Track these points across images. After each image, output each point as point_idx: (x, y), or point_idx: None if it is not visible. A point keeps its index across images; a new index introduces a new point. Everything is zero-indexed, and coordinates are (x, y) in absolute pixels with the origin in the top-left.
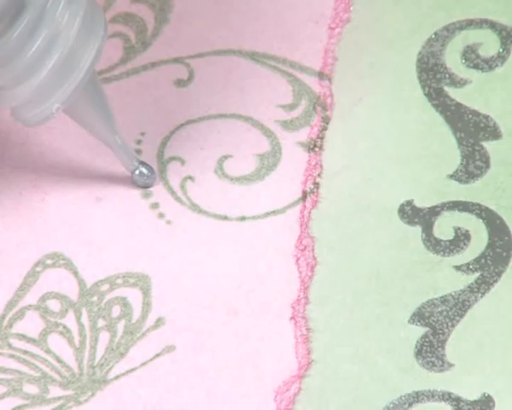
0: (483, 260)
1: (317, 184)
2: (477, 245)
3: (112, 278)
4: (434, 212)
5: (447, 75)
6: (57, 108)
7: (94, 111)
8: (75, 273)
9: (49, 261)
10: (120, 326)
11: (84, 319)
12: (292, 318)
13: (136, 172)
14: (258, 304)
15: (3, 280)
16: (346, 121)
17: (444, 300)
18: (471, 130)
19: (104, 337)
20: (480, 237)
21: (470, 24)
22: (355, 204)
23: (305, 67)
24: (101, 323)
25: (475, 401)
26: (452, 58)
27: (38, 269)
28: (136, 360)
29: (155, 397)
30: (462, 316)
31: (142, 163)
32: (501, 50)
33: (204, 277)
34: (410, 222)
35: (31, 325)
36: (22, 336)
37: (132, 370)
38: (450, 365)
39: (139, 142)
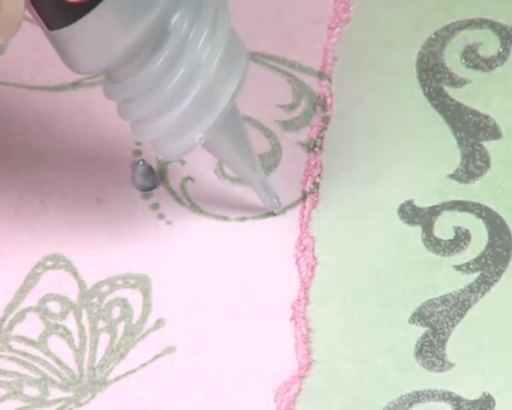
0: (483, 260)
1: (317, 184)
2: (477, 245)
3: (112, 280)
4: (434, 212)
5: (447, 75)
6: (200, 138)
7: (233, 146)
8: (75, 275)
9: (49, 263)
10: (120, 327)
11: (85, 321)
12: (292, 318)
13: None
14: (258, 304)
15: (3, 282)
16: (346, 121)
17: (444, 299)
18: (471, 130)
19: (104, 339)
20: (480, 236)
21: (470, 24)
22: (355, 204)
23: (304, 67)
24: (101, 324)
25: (475, 401)
26: (452, 58)
27: (38, 271)
28: (137, 361)
29: (156, 398)
30: (462, 316)
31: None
32: (501, 50)
33: (204, 277)
34: (410, 222)
35: (31, 326)
36: (22, 339)
37: (132, 371)
38: (451, 364)
39: (139, 142)
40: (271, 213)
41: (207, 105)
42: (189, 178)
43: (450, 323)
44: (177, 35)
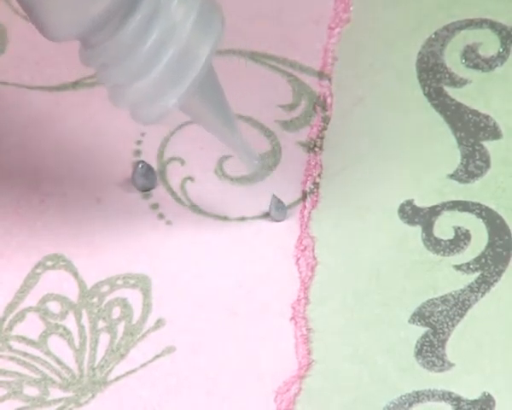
0: (483, 260)
1: (317, 184)
2: (477, 245)
3: (112, 279)
4: (434, 212)
5: (447, 75)
6: (174, 103)
7: (211, 108)
8: (75, 275)
9: (49, 263)
10: (120, 327)
11: (85, 321)
12: (292, 318)
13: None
14: (258, 304)
15: (3, 282)
16: (346, 121)
17: (444, 299)
18: (471, 130)
19: (104, 339)
20: (480, 236)
21: (470, 24)
22: (355, 204)
23: (304, 67)
24: (101, 324)
25: (476, 401)
26: (452, 58)
27: (38, 271)
28: (137, 361)
29: (156, 398)
30: (462, 316)
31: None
32: (501, 50)
33: (204, 277)
34: (410, 222)
35: (31, 326)
36: (22, 339)
37: (132, 371)
38: (451, 364)
39: (139, 142)
40: (271, 213)
41: (181, 69)
42: (189, 178)
43: (450, 323)
44: None
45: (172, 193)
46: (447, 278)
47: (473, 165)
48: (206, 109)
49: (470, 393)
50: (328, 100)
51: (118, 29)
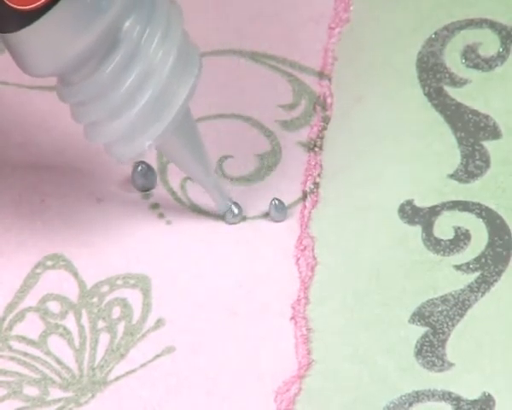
0: (483, 260)
1: (317, 184)
2: (477, 245)
3: (112, 279)
4: (434, 211)
5: (447, 75)
6: (149, 145)
7: (187, 149)
8: (75, 275)
9: (49, 263)
10: (120, 327)
11: (85, 321)
12: (292, 318)
13: (228, 213)
14: (258, 304)
15: (3, 282)
16: (346, 121)
17: (444, 299)
18: (471, 129)
19: (104, 339)
20: (480, 236)
21: (470, 24)
22: (355, 204)
23: (304, 67)
24: (101, 324)
25: (475, 401)
26: (452, 58)
27: (38, 271)
28: (137, 360)
29: (156, 398)
30: (462, 316)
31: (235, 203)
32: (501, 50)
33: (204, 277)
34: (410, 222)
35: (31, 326)
36: (22, 338)
37: (132, 371)
38: (451, 364)
39: None
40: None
41: (158, 111)
42: (189, 178)
43: (450, 323)
44: (130, 40)
45: (172, 193)
46: (447, 278)
47: (473, 165)
48: (182, 150)
49: (470, 393)
50: (328, 100)
51: (97, 69)
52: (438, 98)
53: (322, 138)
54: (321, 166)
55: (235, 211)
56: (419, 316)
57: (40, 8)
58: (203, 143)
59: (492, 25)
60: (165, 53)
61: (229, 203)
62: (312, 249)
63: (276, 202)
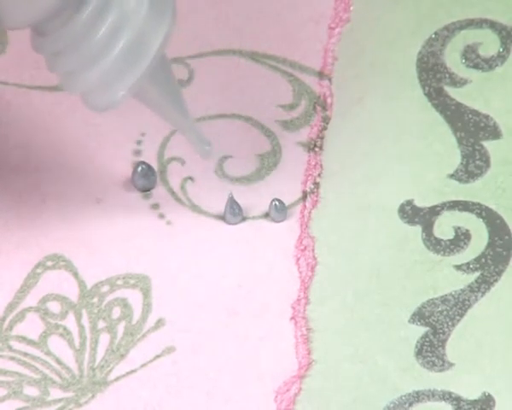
0: (483, 260)
1: (317, 184)
2: (477, 245)
3: (112, 280)
4: (434, 211)
5: (447, 75)
6: (123, 94)
7: (163, 96)
8: (75, 275)
9: (49, 263)
10: (120, 328)
11: (85, 321)
12: (292, 318)
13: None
14: (258, 304)
15: (4, 282)
16: (346, 121)
17: (444, 299)
18: (471, 129)
19: (104, 339)
20: (480, 236)
21: (470, 24)
22: (355, 204)
23: (305, 67)
24: (101, 324)
25: (476, 401)
26: (452, 58)
27: (39, 271)
28: (137, 361)
29: (156, 398)
30: (462, 315)
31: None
32: (501, 50)
33: (204, 277)
34: (410, 222)
35: (31, 326)
36: (22, 339)
37: (132, 371)
38: (451, 364)
39: (139, 142)
40: (270, 214)
41: (133, 59)
42: (189, 178)
43: (450, 323)
44: None
45: (172, 193)
46: (447, 278)
47: (473, 165)
48: (159, 97)
49: (470, 393)
50: (328, 100)
51: (71, 18)
52: (438, 98)
53: (322, 138)
54: (321, 166)
55: (235, 210)
56: (419, 316)
57: None
58: (179, 89)
59: (492, 25)
60: (138, 1)
61: (208, 147)
62: (312, 249)
63: (277, 202)
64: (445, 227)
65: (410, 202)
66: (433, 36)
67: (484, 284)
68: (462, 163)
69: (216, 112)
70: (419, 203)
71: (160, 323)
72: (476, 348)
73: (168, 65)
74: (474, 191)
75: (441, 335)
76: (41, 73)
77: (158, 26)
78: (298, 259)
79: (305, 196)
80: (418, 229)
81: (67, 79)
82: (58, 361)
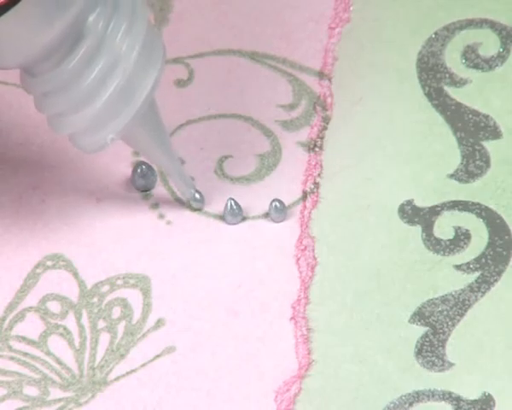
0: (483, 260)
1: (317, 184)
2: (477, 245)
3: (112, 279)
4: (434, 211)
5: (447, 75)
6: (111, 138)
7: (151, 139)
8: (75, 275)
9: (49, 263)
10: (121, 327)
11: (85, 321)
12: (292, 318)
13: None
14: (258, 304)
15: (4, 282)
16: (346, 121)
17: (444, 299)
18: (471, 129)
19: (104, 339)
20: (480, 236)
21: (470, 24)
22: (355, 204)
23: (305, 67)
24: (101, 324)
25: (476, 401)
26: (452, 58)
27: (39, 271)
28: (137, 361)
29: (156, 398)
30: (462, 315)
31: (197, 190)
32: (501, 50)
33: (204, 277)
34: (410, 222)
35: (31, 326)
36: (22, 338)
37: (132, 371)
38: (451, 364)
39: None
40: (270, 214)
41: (123, 103)
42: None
43: (450, 323)
44: (95, 32)
45: (172, 193)
46: (447, 278)
47: (473, 165)
48: (147, 140)
49: (470, 393)
50: (328, 100)
51: (62, 61)
52: (438, 98)
53: (322, 138)
54: (321, 166)
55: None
56: (419, 316)
57: (5, 4)
58: (167, 132)
59: (492, 25)
60: (129, 46)
61: (193, 191)
62: (312, 249)
63: (277, 203)
64: (445, 227)
65: (410, 202)
66: (433, 36)
67: (484, 284)
68: (462, 163)
69: (216, 112)
70: (419, 203)
71: (159, 323)
72: (476, 348)
73: (156, 108)
74: (474, 191)
75: (441, 335)
76: None
77: (148, 70)
78: (298, 259)
79: (305, 196)
80: (418, 229)
81: (56, 120)
82: (58, 361)
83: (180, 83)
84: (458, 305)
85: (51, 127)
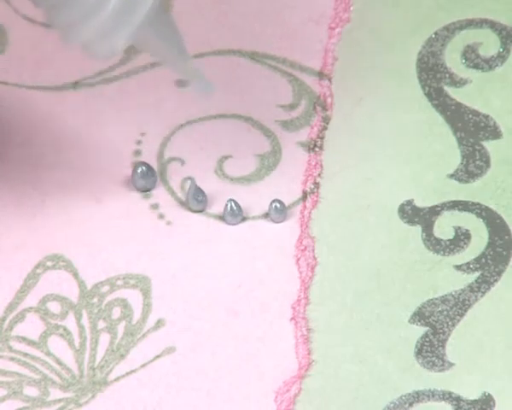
0: (483, 260)
1: (317, 184)
2: (477, 244)
3: (112, 280)
4: (434, 211)
5: (447, 75)
6: (123, 42)
7: (164, 41)
8: (75, 275)
9: (49, 263)
10: (121, 328)
11: (85, 321)
12: (292, 318)
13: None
14: (258, 304)
15: (4, 282)
16: (346, 121)
17: (444, 299)
18: (471, 129)
19: (104, 339)
20: (480, 236)
21: (470, 24)
22: (355, 204)
23: (305, 67)
24: (101, 324)
25: (475, 401)
26: (452, 58)
27: (39, 271)
28: (137, 361)
29: (156, 398)
30: (462, 315)
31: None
32: (501, 50)
33: (204, 277)
34: (410, 222)
35: (31, 327)
36: (22, 339)
37: (132, 371)
38: (451, 364)
39: (139, 142)
40: (271, 214)
41: (131, 7)
42: (189, 178)
43: (450, 323)
44: None
45: (172, 193)
46: (447, 278)
47: (473, 165)
48: (159, 42)
49: (470, 393)
50: (328, 100)
51: None
52: (438, 98)
53: (322, 138)
54: (321, 166)
55: (235, 210)
56: (419, 316)
57: None
58: (179, 32)
59: (492, 25)
60: None
61: (211, 88)
62: (312, 249)
63: (277, 204)
64: (445, 227)
65: (410, 202)
66: (433, 36)
67: (484, 284)
68: (462, 163)
69: (216, 112)
70: (419, 203)
71: (159, 323)
72: (476, 348)
73: (166, 13)
74: (474, 191)
75: (441, 335)
76: (41, 73)
77: None
78: (298, 259)
79: (305, 196)
80: (418, 229)
81: (67, 31)
82: (58, 361)
83: (180, 83)
84: (458, 305)
85: (63, 40)
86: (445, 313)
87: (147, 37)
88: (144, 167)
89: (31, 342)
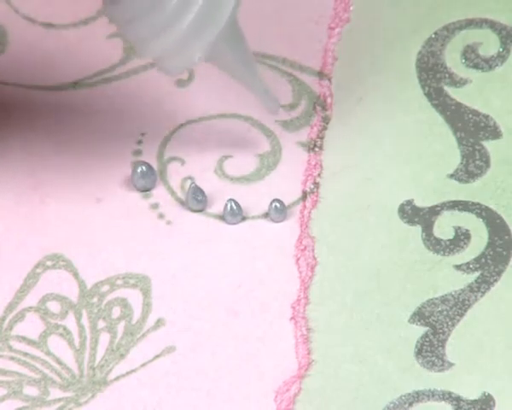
0: (483, 260)
1: (317, 184)
2: (477, 244)
3: (112, 279)
4: (434, 211)
5: (447, 75)
6: (199, 56)
7: (234, 57)
8: (75, 275)
9: (49, 263)
10: (120, 327)
11: (85, 321)
12: (292, 318)
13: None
14: (258, 304)
15: (3, 282)
16: (346, 121)
17: (444, 299)
18: (471, 129)
19: (104, 339)
20: (480, 236)
21: (470, 24)
22: (355, 204)
23: (305, 67)
24: (101, 324)
25: (475, 401)
26: (452, 58)
27: (38, 270)
28: (137, 361)
29: (155, 398)
30: (462, 315)
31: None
32: (501, 50)
33: (204, 277)
34: (410, 222)
35: (31, 326)
36: (22, 338)
37: (132, 371)
38: (451, 364)
39: (139, 142)
40: (271, 214)
41: (207, 23)
42: (189, 178)
43: (450, 323)
44: None
45: (172, 193)
46: (447, 277)
47: (473, 165)
48: (230, 58)
49: (470, 393)
50: (328, 100)
51: None
52: (438, 98)
53: (322, 138)
54: (321, 166)
55: (235, 210)
56: (419, 316)
57: None
58: (249, 48)
59: (492, 25)
60: None
61: (278, 105)
62: (312, 249)
63: (277, 204)
64: (445, 227)
65: (410, 202)
66: (433, 36)
67: (484, 284)
68: (462, 163)
69: (216, 112)
70: (419, 203)
71: (159, 323)
72: (476, 348)
73: (238, 26)
74: (474, 191)
75: (441, 335)
76: (41, 73)
77: None
78: (298, 259)
79: (305, 196)
80: (418, 229)
81: (142, 44)
82: (58, 361)
83: (180, 83)
84: (458, 305)
85: (139, 52)
86: (445, 313)
87: (221, 52)
88: (144, 167)
89: (30, 342)
